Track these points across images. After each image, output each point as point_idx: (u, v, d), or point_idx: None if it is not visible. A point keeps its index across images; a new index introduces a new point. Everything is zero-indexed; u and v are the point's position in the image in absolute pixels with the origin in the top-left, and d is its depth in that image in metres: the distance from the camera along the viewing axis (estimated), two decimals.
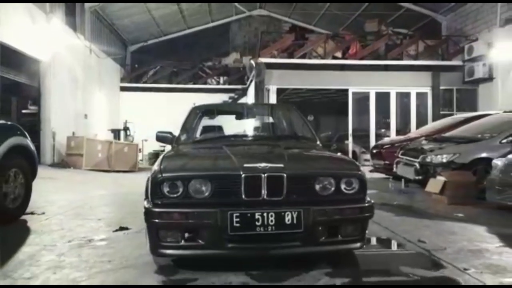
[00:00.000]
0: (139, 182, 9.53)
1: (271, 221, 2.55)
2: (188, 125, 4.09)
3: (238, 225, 2.53)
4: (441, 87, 13.21)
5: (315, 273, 2.66)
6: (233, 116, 4.90)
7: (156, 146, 16.18)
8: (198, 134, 4.36)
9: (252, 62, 13.20)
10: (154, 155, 15.98)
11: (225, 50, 20.86)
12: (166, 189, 2.61)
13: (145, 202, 2.76)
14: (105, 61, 16.12)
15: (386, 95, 13.20)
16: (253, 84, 13.72)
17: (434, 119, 12.28)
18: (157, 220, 2.60)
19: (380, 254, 3.48)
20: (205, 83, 19.43)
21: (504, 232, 3.92)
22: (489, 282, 2.56)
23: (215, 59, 20.35)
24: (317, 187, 2.72)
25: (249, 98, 16.06)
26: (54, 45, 11.29)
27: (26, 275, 2.67)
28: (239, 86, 18.05)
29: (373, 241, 3.72)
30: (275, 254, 2.69)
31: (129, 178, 10.67)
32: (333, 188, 2.72)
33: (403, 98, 13.44)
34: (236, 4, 17.88)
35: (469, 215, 4.80)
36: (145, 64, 19.48)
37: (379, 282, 2.66)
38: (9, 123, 4.74)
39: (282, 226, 2.57)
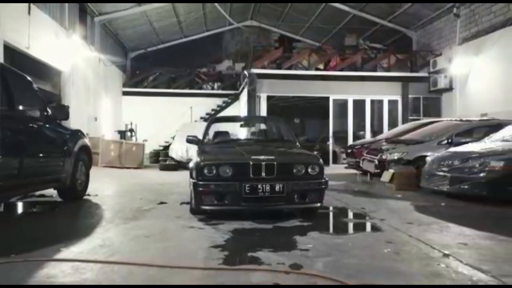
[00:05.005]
0: (151, 176, 11.51)
1: (267, 189, 4.39)
2: (208, 131, 5.91)
3: (248, 191, 4.37)
4: (410, 96, 15.27)
5: (293, 221, 4.52)
6: (234, 124, 6.82)
7: (156, 146, 17.94)
8: (212, 136, 6.18)
9: (245, 72, 15.05)
10: (155, 154, 17.68)
11: (218, 57, 22.68)
12: (205, 171, 4.44)
13: (191, 180, 4.59)
14: (110, 68, 17.81)
15: (362, 102, 15.18)
16: (245, 91, 15.56)
17: (403, 123, 14.23)
18: (200, 189, 4.42)
19: (335, 213, 5.35)
20: (201, 88, 21.06)
21: (420, 204, 5.84)
22: (393, 223, 4.41)
23: (209, 65, 22.06)
24: (294, 170, 4.57)
25: (242, 103, 17.85)
26: (73, 58, 12.99)
27: (120, 222, 4.46)
28: (232, 92, 19.83)
29: (332, 208, 5.58)
30: (269, 209, 4.56)
31: (140, 173, 12.39)
32: (303, 171, 4.58)
33: (377, 104, 15.47)
34: (229, 18, 19.65)
35: (405, 196, 6.70)
36: (144, 69, 21.06)
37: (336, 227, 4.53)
38: (74, 128, 6.48)
39: (274, 192, 4.41)
